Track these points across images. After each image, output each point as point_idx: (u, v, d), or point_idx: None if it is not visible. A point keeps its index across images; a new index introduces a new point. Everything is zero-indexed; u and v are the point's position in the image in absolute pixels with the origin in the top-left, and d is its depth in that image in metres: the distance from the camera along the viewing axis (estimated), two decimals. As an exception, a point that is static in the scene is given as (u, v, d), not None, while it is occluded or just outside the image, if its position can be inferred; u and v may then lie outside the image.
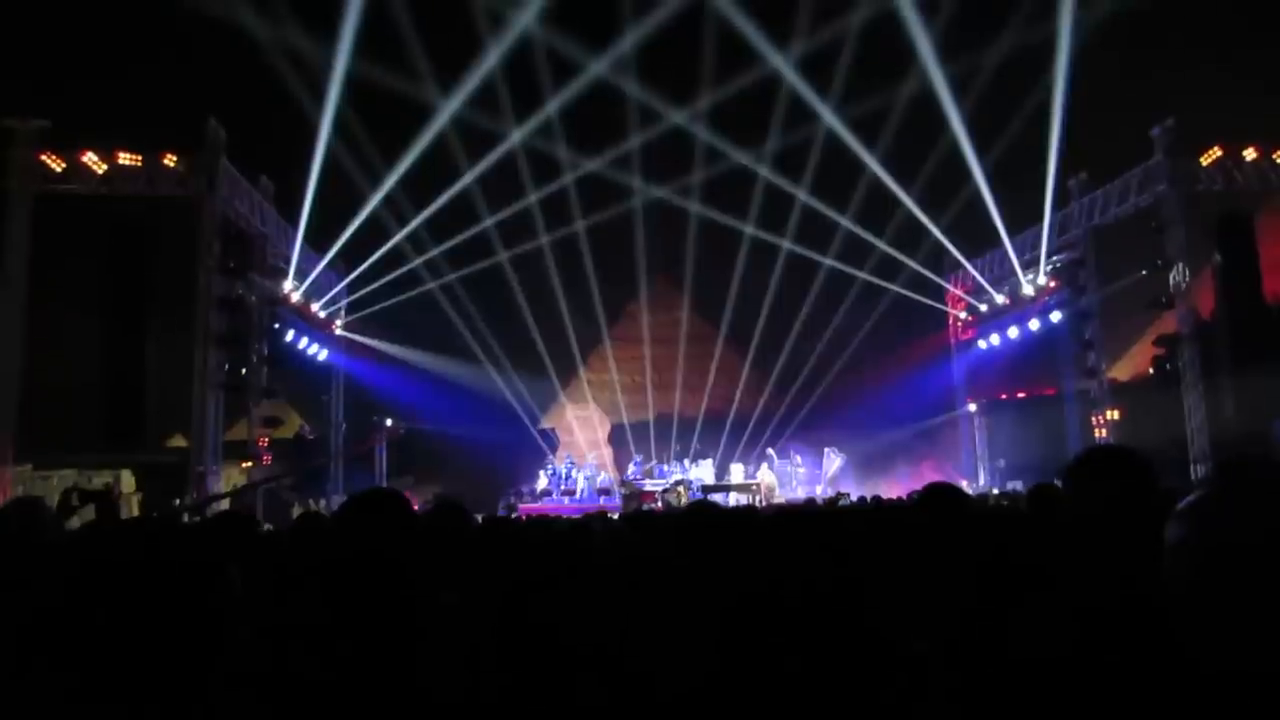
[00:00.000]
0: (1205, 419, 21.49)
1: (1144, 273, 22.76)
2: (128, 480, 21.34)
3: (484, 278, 29.18)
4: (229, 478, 22.34)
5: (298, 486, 25.72)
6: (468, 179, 25.45)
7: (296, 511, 23.33)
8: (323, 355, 26.77)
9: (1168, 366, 22.52)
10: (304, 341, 25.27)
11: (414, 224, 25.33)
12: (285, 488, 24.30)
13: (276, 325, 23.50)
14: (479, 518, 12.65)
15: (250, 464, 23.08)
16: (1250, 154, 21.77)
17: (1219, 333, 23.51)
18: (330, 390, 28.93)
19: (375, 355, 29.47)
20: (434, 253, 26.98)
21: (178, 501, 19.19)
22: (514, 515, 21.46)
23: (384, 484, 28.55)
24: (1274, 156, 21.83)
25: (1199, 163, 21.89)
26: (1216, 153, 21.77)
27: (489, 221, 27.63)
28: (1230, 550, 1.44)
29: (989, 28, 23.38)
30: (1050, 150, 22.35)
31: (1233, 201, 22.99)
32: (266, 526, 8.65)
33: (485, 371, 30.82)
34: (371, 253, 25.53)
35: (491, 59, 23.28)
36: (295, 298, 24.43)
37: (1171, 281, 22.02)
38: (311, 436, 30.28)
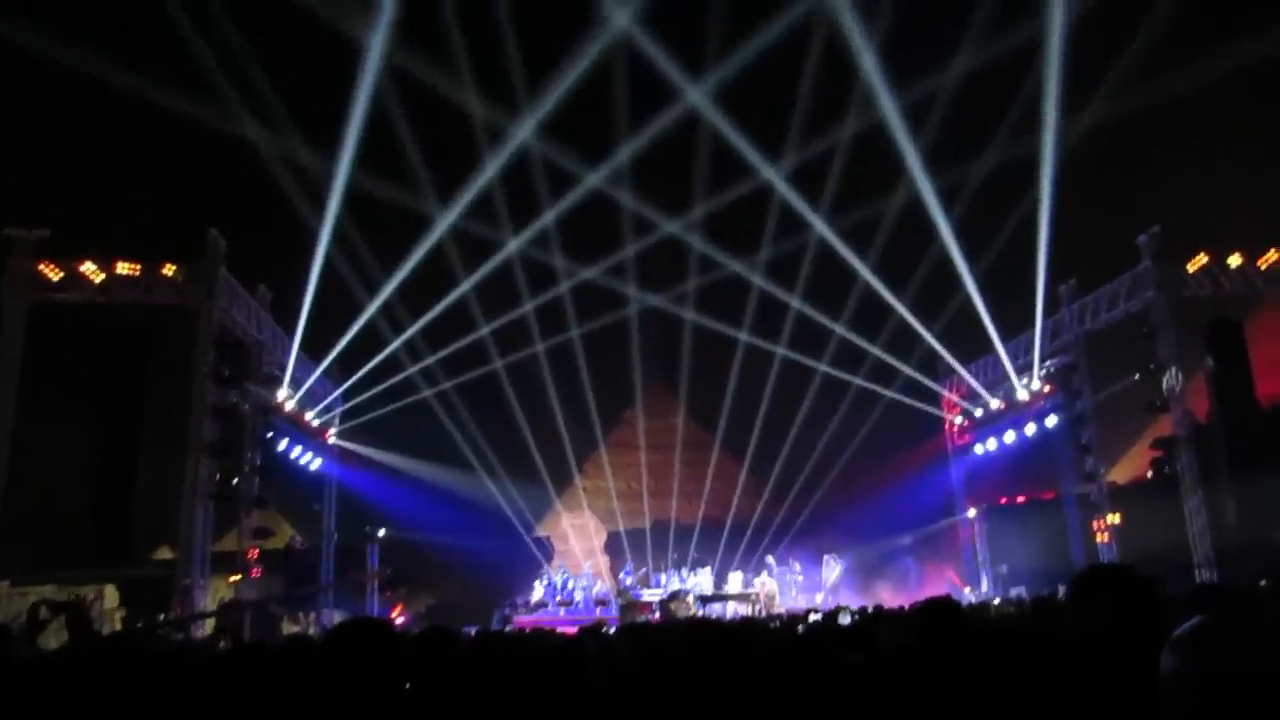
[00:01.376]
0: (1207, 524, 21.26)
1: (1137, 377, 22.84)
2: (111, 595, 20.88)
3: (479, 386, 29.25)
4: (216, 590, 21.90)
5: (286, 601, 25.20)
6: (464, 287, 25.70)
7: (286, 628, 22.95)
8: (315, 464, 26.59)
9: (1166, 470, 22.42)
10: (297, 450, 25.13)
11: (410, 332, 25.47)
12: (275, 602, 23.80)
13: (270, 434, 23.39)
14: (472, 631, 12.36)
15: (239, 576, 22.65)
16: (1235, 260, 22.13)
17: (1215, 436, 23.45)
18: (322, 500, 28.59)
19: (368, 464, 29.26)
20: (429, 361, 27.07)
21: (161, 617, 18.74)
22: (509, 628, 21.02)
23: (376, 597, 28.07)
24: (1259, 263, 22.14)
25: (1186, 269, 22.22)
26: (1203, 259, 22.12)
27: (485, 330, 27.80)
28: (1227, 683, 1.45)
29: (976, 140, 24.00)
30: (1039, 257, 22.69)
31: (1221, 306, 23.23)
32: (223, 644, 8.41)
33: (480, 480, 30.58)
34: (367, 361, 25.66)
35: (490, 170, 23.77)
36: (289, 406, 24.38)
37: (1165, 385, 22.09)
38: (303, 547, 29.82)
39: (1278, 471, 21.71)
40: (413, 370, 26.93)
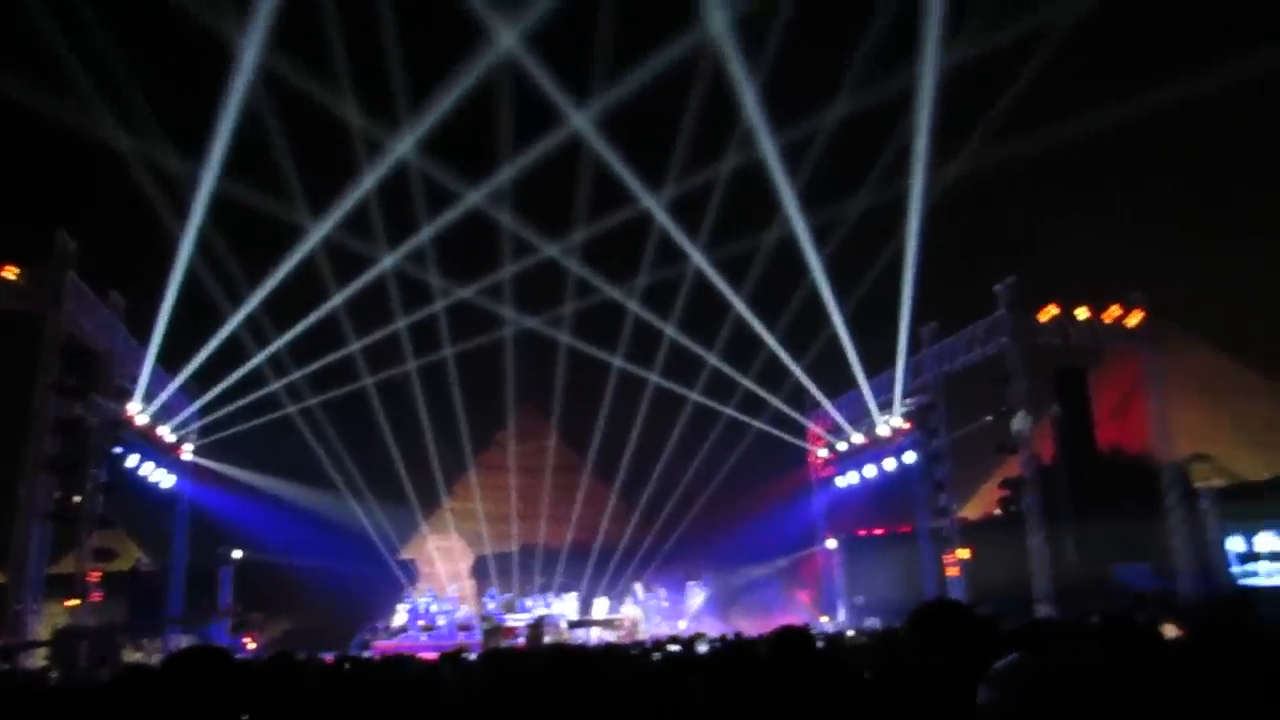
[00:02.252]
0: (1048, 561, 22.34)
1: (990, 418, 23.90)
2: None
3: (347, 403, 28.55)
4: (52, 617, 20.56)
5: (129, 629, 23.88)
6: (335, 302, 25.08)
7: (129, 656, 21.70)
8: (168, 482, 25.36)
9: (1013, 508, 23.51)
10: (148, 467, 23.91)
11: (275, 346, 24.63)
12: (118, 630, 22.48)
13: (118, 449, 22.19)
14: (329, 658, 11.97)
15: (77, 601, 21.21)
16: (1083, 313, 23.48)
17: (1059, 478, 24.77)
18: (174, 520, 27.21)
19: (226, 482, 28.05)
20: (295, 376, 26.24)
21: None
22: (368, 654, 20.43)
23: (228, 622, 26.90)
24: (1103, 317, 23.55)
25: (1037, 319, 23.43)
26: (1053, 310, 23.38)
27: (355, 346, 27.17)
28: (1036, 716, 1.54)
29: (849, 182, 24.87)
30: (903, 299, 23.57)
31: (1068, 356, 24.61)
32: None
33: (344, 500, 29.77)
34: (228, 375, 24.66)
35: (367, 183, 23.31)
36: (141, 420, 23.19)
37: (1014, 428, 23.17)
38: (150, 570, 28.33)
39: (1114, 514, 23.12)
40: (277, 386, 26.08)
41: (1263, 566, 22.91)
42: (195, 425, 26.75)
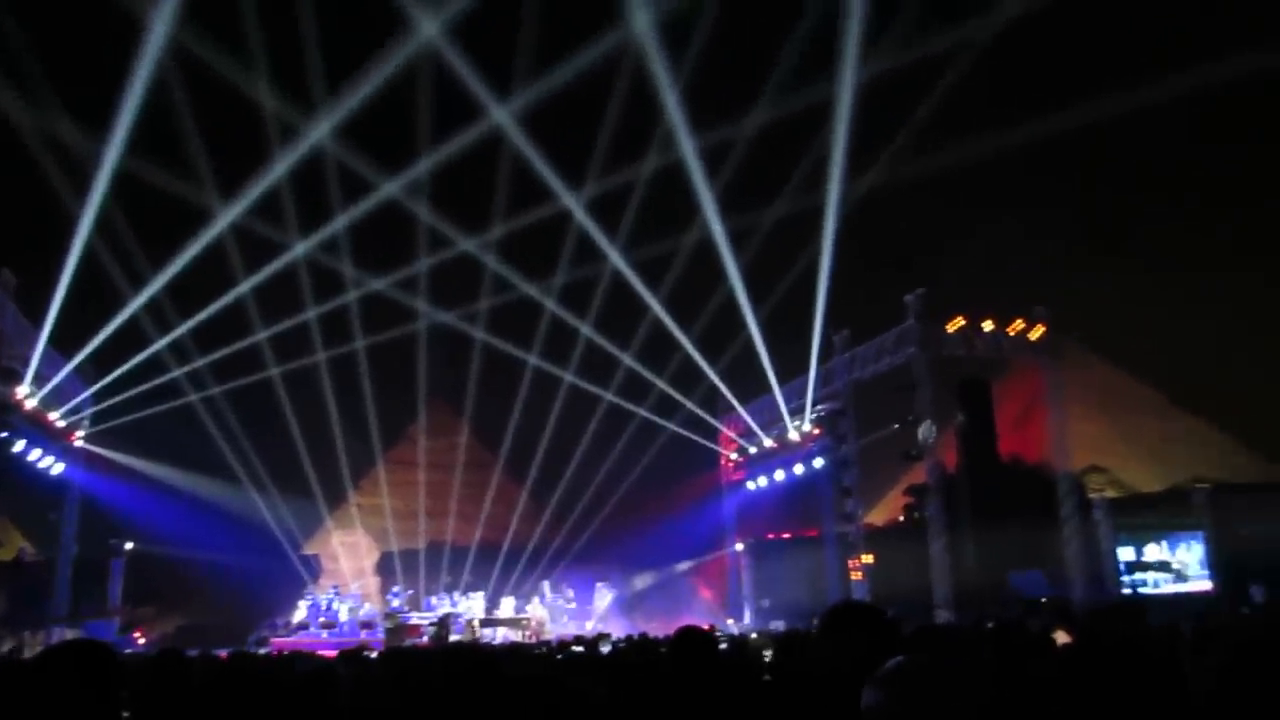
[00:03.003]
0: (949, 567, 22.89)
1: (896, 426, 24.39)
2: None
3: (252, 393, 27.69)
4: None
5: (8, 622, 22.84)
6: (243, 288, 24.38)
7: (7, 646, 20.77)
8: (57, 469, 24.29)
9: (917, 515, 24.05)
10: (36, 453, 22.87)
11: (178, 332, 23.81)
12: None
13: (4, 434, 21.18)
14: (223, 654, 11.62)
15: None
16: (988, 325, 24.07)
17: (961, 487, 25.43)
18: (62, 508, 26.06)
19: (120, 471, 26.99)
20: (198, 364, 25.41)
21: None
22: (264, 650, 19.90)
23: (118, 606, 26.02)
24: (1008, 330, 24.18)
25: (945, 329, 23.95)
26: (960, 322, 23.94)
27: (263, 335, 26.44)
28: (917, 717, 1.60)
29: (767, 189, 25.13)
30: (817, 306, 23.91)
31: (973, 367, 25.25)
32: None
33: (245, 492, 28.95)
34: (126, 359, 23.71)
35: (279, 168, 22.71)
36: (30, 404, 22.18)
37: (920, 436, 23.68)
38: (34, 560, 27.13)
39: (1013, 522, 23.85)
40: (178, 373, 25.21)
41: (1150, 576, 23.91)
42: (89, 411, 25.67)
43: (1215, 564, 23.43)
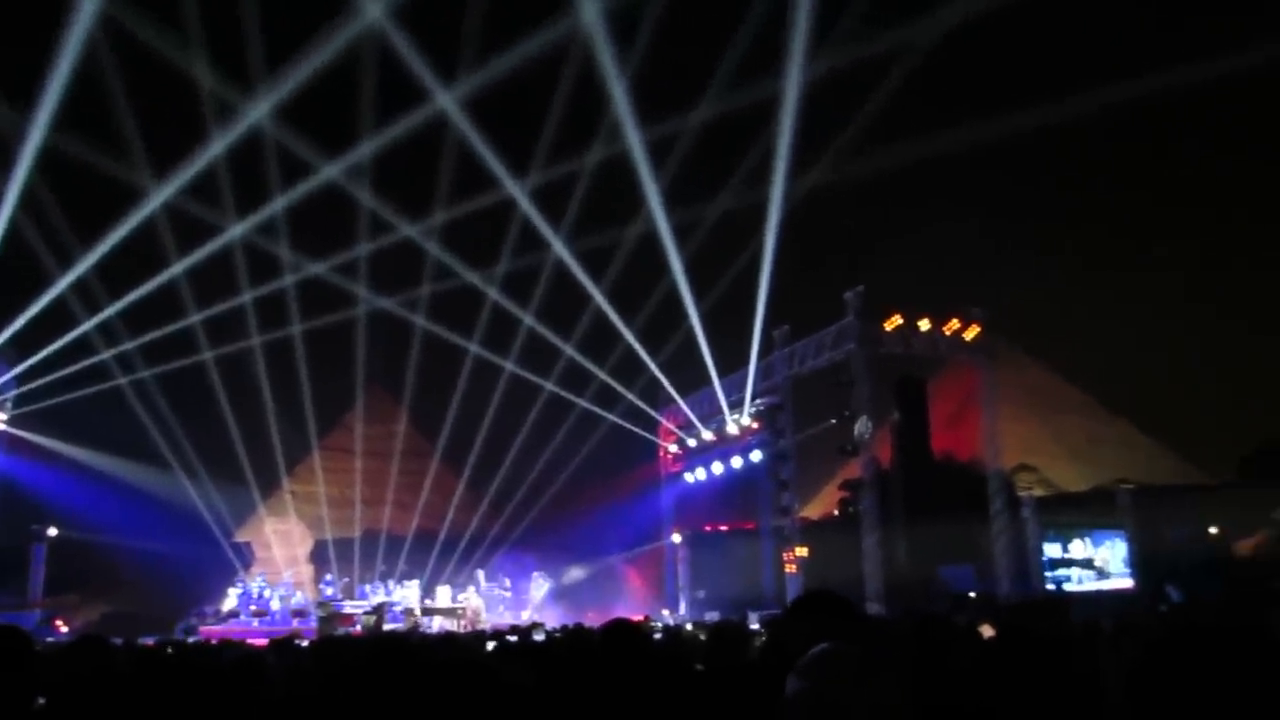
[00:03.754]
0: (880, 561, 23.23)
1: (834, 421, 24.67)
2: None
3: (183, 377, 27.10)
4: None
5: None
6: (175, 270, 23.83)
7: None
8: (-24, 452, 23.54)
9: (851, 509, 24.36)
10: (-46, 435, 22.13)
11: (106, 313, 23.17)
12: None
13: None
14: (149, 642, 11.36)
15: None
16: (924, 324, 24.40)
17: (895, 482, 25.83)
18: (-20, 493, 25.25)
19: (44, 455, 26.23)
20: (128, 346, 24.78)
21: None
22: (193, 639, 19.51)
23: (39, 599, 25.35)
24: (944, 329, 24.55)
25: (883, 327, 24.24)
26: (897, 320, 24.24)
27: (195, 317, 25.88)
28: (837, 709, 1.64)
29: (711, 184, 25.20)
30: (758, 301, 24.05)
31: (910, 365, 25.62)
32: None
33: (175, 478, 28.30)
34: (51, 341, 23.02)
35: (215, 148, 22.21)
36: (-51, 384, 21.45)
37: (856, 432, 23.99)
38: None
39: (944, 518, 24.30)
40: (106, 355, 24.57)
41: (1074, 572, 24.55)
42: (11, 393, 24.91)
43: (1136, 563, 24.12)
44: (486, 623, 25.41)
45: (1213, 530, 25.35)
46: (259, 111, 21.85)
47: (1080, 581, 24.33)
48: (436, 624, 25.44)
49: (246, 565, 30.47)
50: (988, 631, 5.81)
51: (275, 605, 26.36)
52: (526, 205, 24.67)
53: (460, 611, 26.66)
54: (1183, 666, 1.37)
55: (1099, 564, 24.57)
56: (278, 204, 24.25)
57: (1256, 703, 1.31)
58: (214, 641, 13.67)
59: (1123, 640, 6.88)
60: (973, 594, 23.08)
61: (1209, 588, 20.33)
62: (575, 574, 31.93)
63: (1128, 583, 24.11)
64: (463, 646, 9.36)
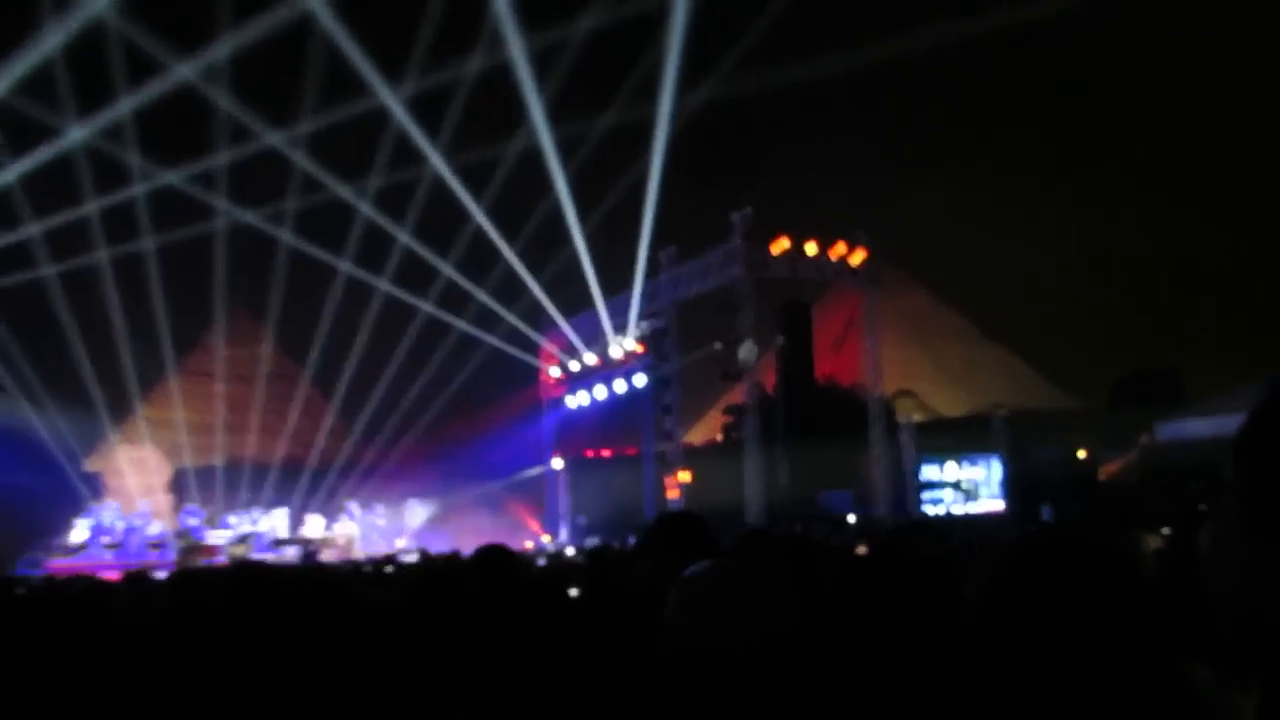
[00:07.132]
0: (762, 486, 23.30)
1: (718, 346, 24.45)
2: None
3: (21, 293, 25.09)
4: None
5: None
6: (8, 176, 21.87)
7: None
8: None
9: (734, 435, 24.33)
10: None
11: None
12: None
13: None
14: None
15: None
16: (811, 248, 24.17)
17: (777, 408, 25.89)
18: None
19: None
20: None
21: None
22: (37, 573, 18.19)
23: None
24: (830, 254, 24.40)
25: (770, 251, 23.92)
26: (785, 244, 23.94)
27: (34, 228, 23.89)
28: (708, 616, 1.64)
29: (597, 99, 24.32)
30: (644, 222, 23.49)
31: (795, 289, 25.52)
32: None
33: (13, 402, 26.41)
34: None
35: (52, 39, 20.24)
36: None
37: (740, 357, 23.81)
38: None
39: (825, 442, 24.52)
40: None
41: (947, 495, 25.19)
42: None
43: (1010, 486, 24.81)
44: (361, 552, 24.69)
45: (1081, 454, 26.27)
46: (101, 2, 20.00)
47: (954, 503, 24.97)
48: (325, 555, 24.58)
49: (97, 495, 28.77)
50: (862, 551, 5.70)
51: (133, 539, 24.97)
52: (402, 115, 23.37)
53: (332, 540, 25.86)
54: (1022, 570, 1.42)
55: (972, 487, 25.22)
56: (125, 105, 22.41)
57: (1085, 604, 1.35)
58: (60, 576, 12.61)
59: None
60: (851, 517, 23.43)
61: (1073, 509, 21.07)
62: (454, 501, 31.28)
63: (999, 505, 24.80)
64: (331, 574, 8.86)
